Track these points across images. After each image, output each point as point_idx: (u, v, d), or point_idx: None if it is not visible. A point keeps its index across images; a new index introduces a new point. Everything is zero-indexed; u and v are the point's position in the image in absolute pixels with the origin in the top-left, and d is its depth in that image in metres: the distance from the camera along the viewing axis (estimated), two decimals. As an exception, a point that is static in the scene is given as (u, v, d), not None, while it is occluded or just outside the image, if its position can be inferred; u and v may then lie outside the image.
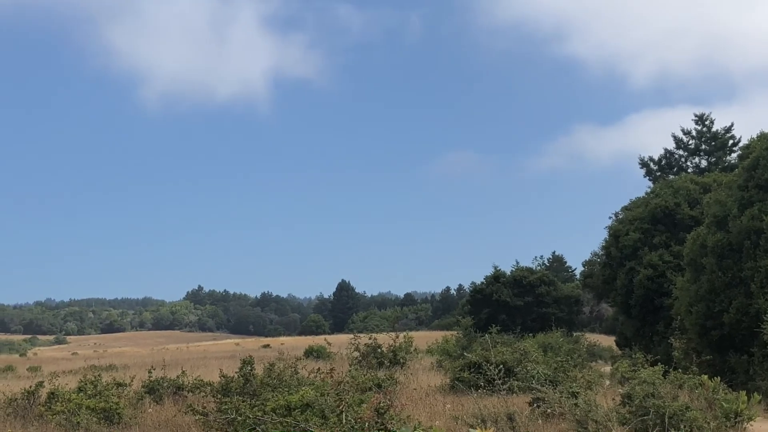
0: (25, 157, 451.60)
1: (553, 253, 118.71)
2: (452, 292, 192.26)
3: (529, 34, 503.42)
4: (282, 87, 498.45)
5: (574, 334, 62.66)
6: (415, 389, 23.63)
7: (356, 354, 33.20)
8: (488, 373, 17.65)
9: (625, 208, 52.43)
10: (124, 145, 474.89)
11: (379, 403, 8.12)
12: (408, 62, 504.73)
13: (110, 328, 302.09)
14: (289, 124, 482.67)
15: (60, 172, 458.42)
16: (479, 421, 14.64)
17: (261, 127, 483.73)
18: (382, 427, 7.73)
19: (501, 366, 16.68)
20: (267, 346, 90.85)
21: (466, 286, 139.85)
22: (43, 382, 22.15)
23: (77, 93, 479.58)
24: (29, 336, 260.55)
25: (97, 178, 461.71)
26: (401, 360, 33.11)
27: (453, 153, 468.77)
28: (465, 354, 28.34)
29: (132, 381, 23.40)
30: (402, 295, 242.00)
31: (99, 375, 23.13)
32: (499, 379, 14.67)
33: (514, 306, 71.14)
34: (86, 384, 21.27)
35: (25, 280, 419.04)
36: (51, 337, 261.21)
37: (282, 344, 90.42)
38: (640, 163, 72.34)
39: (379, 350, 33.52)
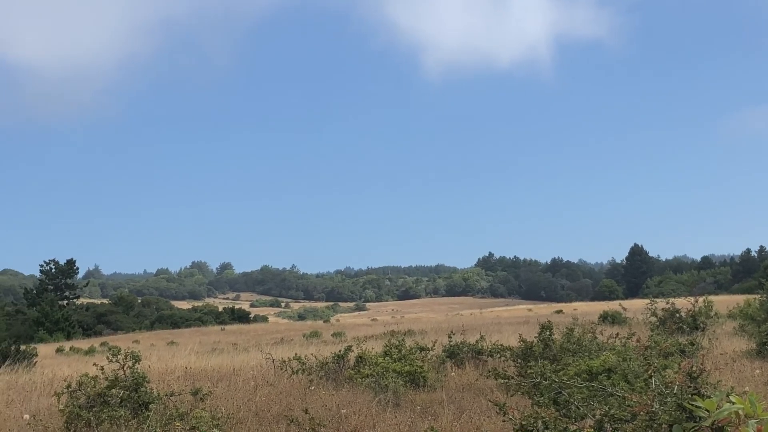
0: (313, 134, 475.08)
1: None
2: (753, 254, 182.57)
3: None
4: (567, 49, 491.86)
5: None
6: (721, 354, 22.83)
7: (653, 319, 32.40)
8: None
9: None
10: (411, 119, 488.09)
11: (692, 367, 7.96)
12: (701, 14, 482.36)
13: (406, 294, 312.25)
14: (573, 86, 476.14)
15: (348, 150, 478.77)
16: (794, 387, 13.97)
17: (544, 91, 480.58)
18: (695, 391, 7.60)
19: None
20: (560, 311, 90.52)
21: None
22: (351, 346, 23.18)
23: (364, 68, 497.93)
24: (331, 303, 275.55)
25: (390, 156, 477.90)
26: (701, 325, 31.95)
27: (749, 107, 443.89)
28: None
29: (433, 345, 24.08)
30: (699, 259, 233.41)
31: (402, 339, 23.91)
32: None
33: (823, 267, 66.57)
34: (391, 348, 22.07)
35: (327, 250, 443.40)
36: (351, 304, 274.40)
37: (575, 310, 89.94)
38: None
39: (677, 315, 32.53)
